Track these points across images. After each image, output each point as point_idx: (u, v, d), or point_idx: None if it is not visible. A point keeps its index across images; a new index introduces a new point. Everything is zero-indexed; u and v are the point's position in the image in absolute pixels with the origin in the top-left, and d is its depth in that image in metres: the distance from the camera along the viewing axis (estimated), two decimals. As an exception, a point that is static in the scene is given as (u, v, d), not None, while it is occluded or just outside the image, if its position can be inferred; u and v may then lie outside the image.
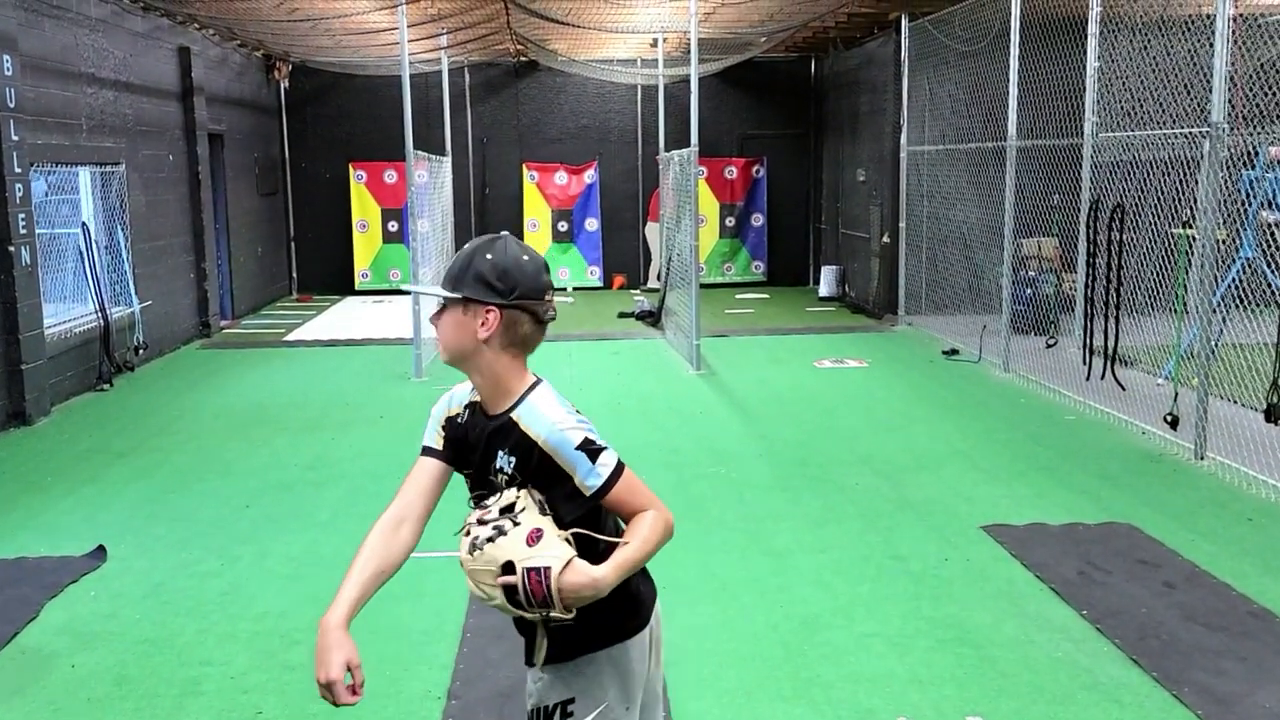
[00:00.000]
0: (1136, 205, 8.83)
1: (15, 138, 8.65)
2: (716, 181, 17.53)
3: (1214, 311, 7.28)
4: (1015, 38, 10.02)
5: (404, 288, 2.47)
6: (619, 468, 2.26)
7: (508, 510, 2.20)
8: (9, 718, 4.11)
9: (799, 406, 9.12)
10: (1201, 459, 7.11)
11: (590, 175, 17.55)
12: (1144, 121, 8.81)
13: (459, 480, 2.49)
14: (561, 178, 17.50)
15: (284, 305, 16.17)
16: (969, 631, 4.68)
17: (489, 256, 2.30)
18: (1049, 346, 10.49)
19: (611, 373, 10.78)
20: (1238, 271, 8.16)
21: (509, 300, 2.29)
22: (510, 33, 14.12)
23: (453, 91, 15.94)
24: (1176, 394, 7.78)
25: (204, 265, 13.01)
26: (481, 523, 2.21)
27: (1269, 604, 4.91)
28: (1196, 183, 7.42)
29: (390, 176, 16.67)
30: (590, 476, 2.22)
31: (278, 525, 6.24)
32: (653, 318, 13.80)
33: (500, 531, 2.16)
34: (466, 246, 2.36)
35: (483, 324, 2.28)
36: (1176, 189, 8.24)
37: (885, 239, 13.95)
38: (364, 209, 17.08)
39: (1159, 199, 8.46)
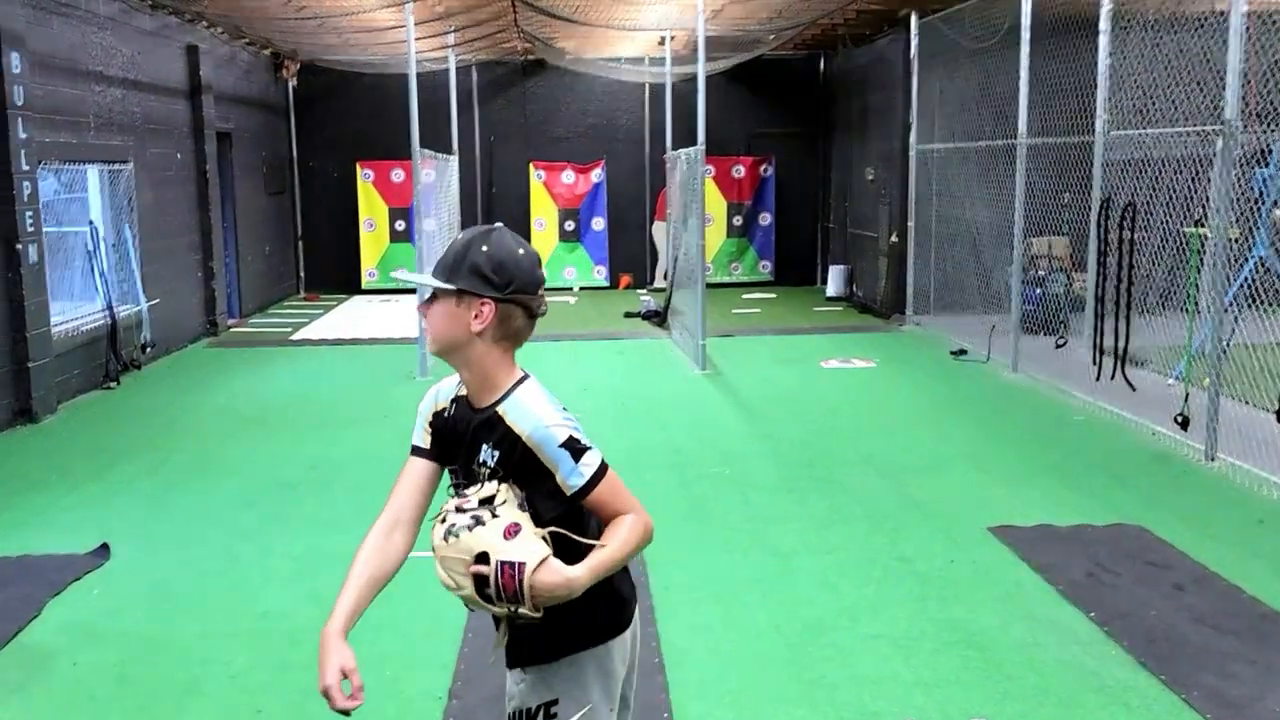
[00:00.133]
0: (1148, 204, 8.77)
1: (23, 135, 8.65)
2: (724, 180, 17.48)
3: (1226, 311, 7.22)
4: (1026, 35, 9.97)
5: (396, 275, 2.44)
6: (602, 469, 2.23)
7: (487, 502, 2.17)
8: (10, 716, 4.09)
9: (805, 407, 9.07)
10: (1212, 460, 7.05)
11: (597, 174, 17.51)
12: (1156, 119, 8.75)
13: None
14: (569, 177, 17.47)
15: (291, 304, 16.17)
16: (975, 634, 4.63)
17: (484, 249, 2.27)
18: (1058, 346, 10.43)
19: (616, 373, 10.75)
20: (1250, 271, 8.08)
21: (504, 294, 2.26)
22: (518, 31, 14.10)
23: (460, 90, 15.92)
24: (1187, 394, 7.72)
25: (211, 264, 13.01)
26: (460, 510, 2.18)
27: None
28: (1209, 181, 7.36)
29: (397, 175, 16.65)
30: (572, 476, 2.19)
31: (280, 524, 6.22)
32: (659, 317, 13.77)
33: (478, 521, 2.13)
34: (461, 236, 2.33)
35: (477, 316, 2.25)
36: (1189, 187, 8.18)
37: (894, 238, 13.89)
38: (371, 208, 17.07)
39: (1171, 197, 8.39)
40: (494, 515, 2.14)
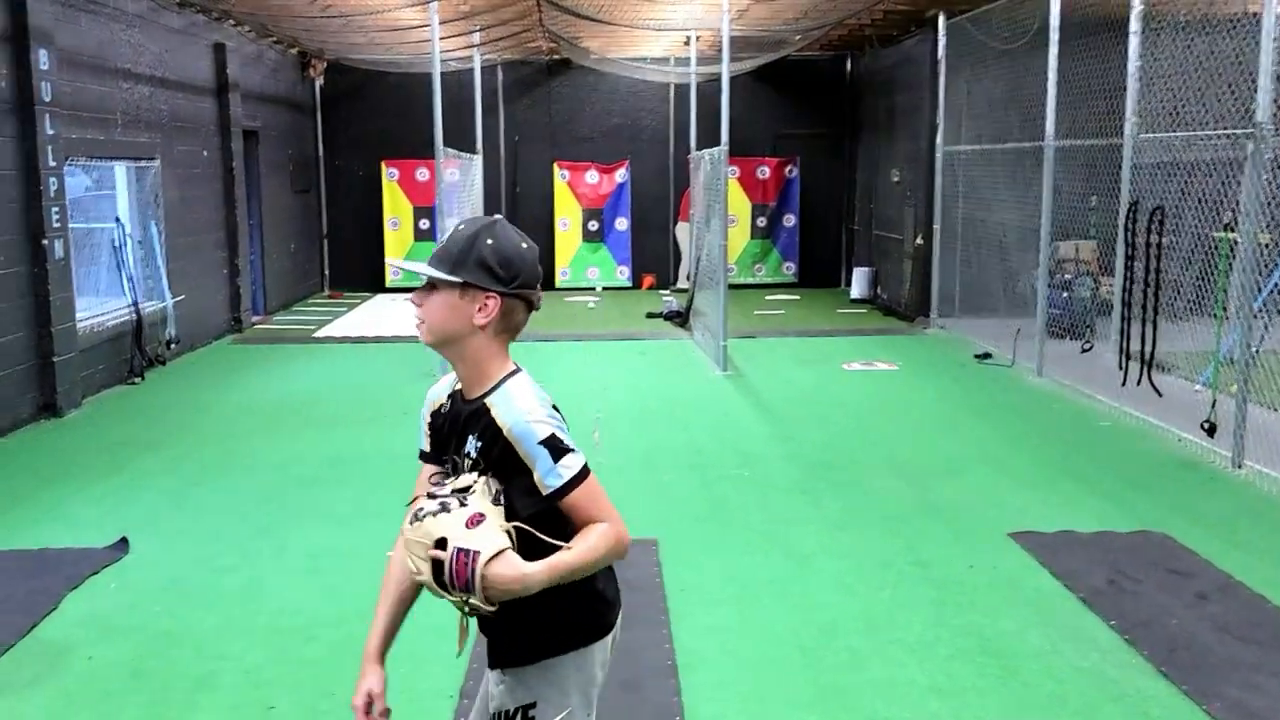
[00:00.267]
0: (1178, 208, 8.67)
1: (50, 131, 8.71)
2: (749, 181, 17.43)
3: (1255, 317, 7.12)
4: (1054, 36, 9.87)
5: (395, 264, 2.38)
6: (583, 473, 2.18)
7: (461, 491, 2.16)
8: (25, 709, 4.11)
9: (826, 409, 9.02)
10: (1239, 467, 6.95)
11: (621, 174, 17.50)
12: (1186, 122, 8.65)
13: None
14: (592, 177, 17.46)
15: (315, 302, 16.24)
16: (992, 640, 4.58)
17: (489, 241, 2.24)
18: (1084, 351, 10.33)
19: (637, 373, 10.72)
20: None
21: (510, 288, 2.24)
22: (543, 30, 14.10)
23: (485, 89, 15.95)
24: (1215, 401, 7.62)
25: (237, 261, 13.08)
26: (431, 497, 2.17)
27: (1305, 617, 4.78)
28: (1239, 185, 7.26)
29: (422, 174, 16.69)
30: (550, 475, 2.15)
31: (297, 520, 6.23)
32: (680, 318, 13.73)
33: (444, 508, 2.12)
34: (462, 227, 2.29)
35: (481, 310, 2.23)
36: (1219, 191, 8.08)
37: (919, 240, 13.81)
38: (396, 207, 17.12)
39: (1201, 201, 8.29)
40: (461, 504, 2.12)
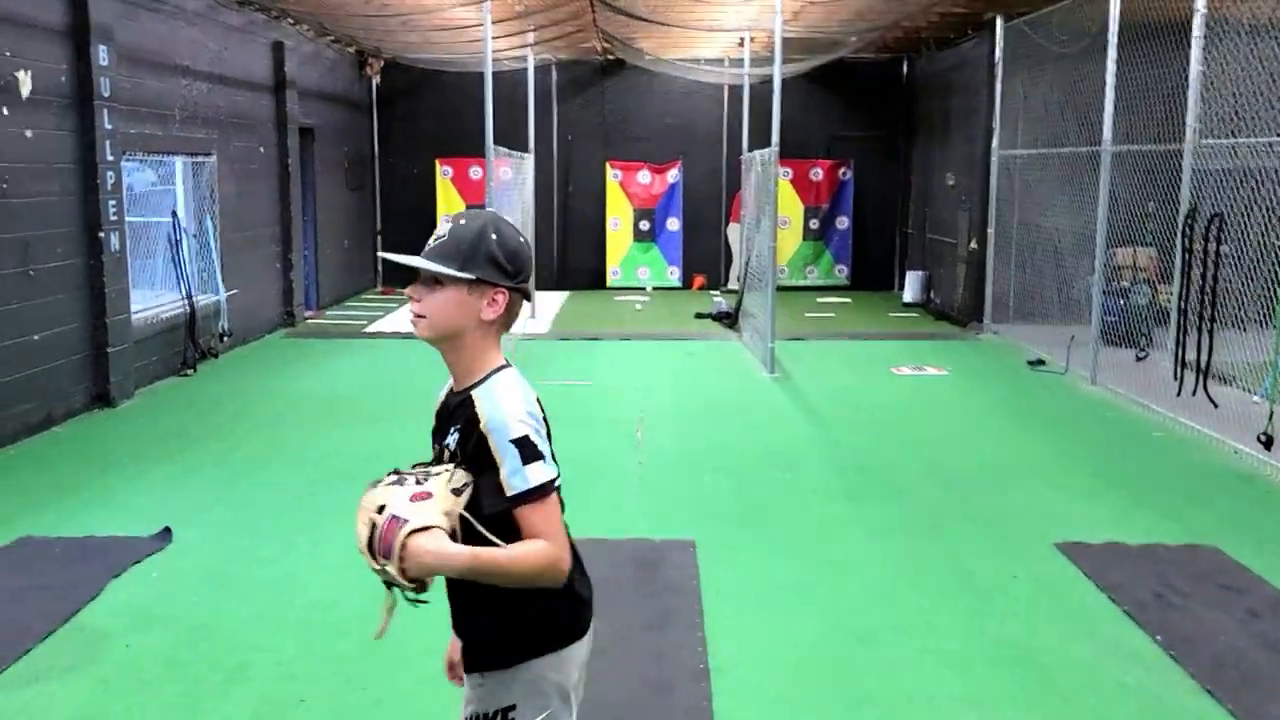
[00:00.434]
0: (1244, 215, 8.46)
1: (109, 126, 8.85)
2: (802, 183, 17.33)
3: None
4: (1113, 39, 9.69)
5: (389, 257, 2.39)
6: (547, 486, 2.15)
7: (424, 471, 2.17)
8: (62, 694, 4.16)
9: (872, 414, 8.92)
10: (1295, 481, 6.78)
11: (674, 175, 17.47)
12: (1250, 128, 8.44)
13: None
14: (645, 177, 17.45)
15: (367, 298, 16.38)
16: (1033, 652, 4.49)
17: (494, 237, 2.24)
18: (1139, 360, 10.13)
19: (684, 373, 10.68)
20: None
21: (516, 283, 2.25)
22: (597, 31, 14.11)
23: (539, 89, 15.98)
24: (1272, 412, 7.43)
25: (290, 256, 13.22)
26: (396, 472, 2.19)
27: (1359, 637, 4.63)
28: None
29: (475, 173, 16.77)
30: (515, 477, 2.12)
31: (337, 514, 6.25)
32: (729, 319, 13.67)
33: (399, 482, 2.14)
34: (463, 222, 2.27)
35: (489, 304, 2.23)
36: (1281, 199, 7.88)
37: (972, 244, 13.63)
38: (449, 205, 17.20)
39: (1266, 209, 8.09)
40: (417, 482, 2.13)
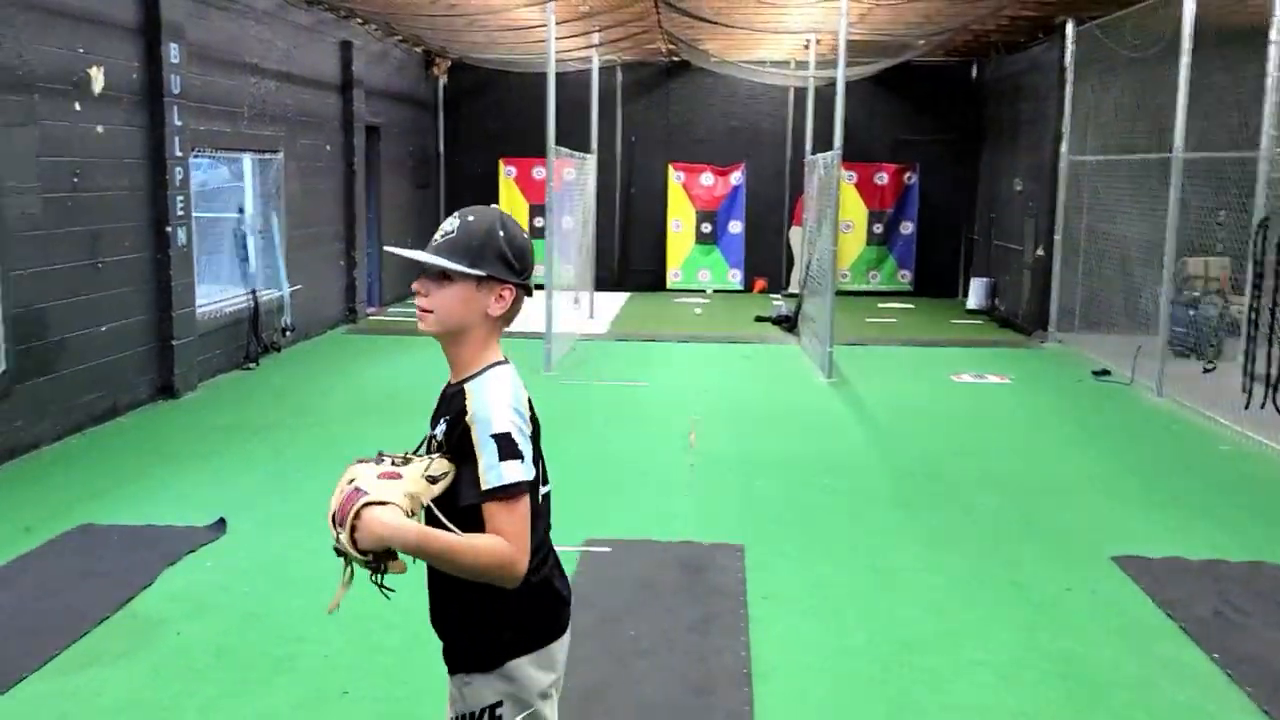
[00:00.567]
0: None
1: (178, 123, 9.01)
2: (866, 187, 17.18)
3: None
4: (1187, 44, 9.47)
5: (395, 251, 2.44)
6: (517, 486, 2.13)
7: (405, 456, 2.20)
8: (114, 679, 4.23)
9: (930, 421, 8.81)
10: (1368, 500, 6.57)
11: (736, 177, 17.41)
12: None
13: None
14: (708, 179, 17.41)
15: (430, 295, 16.48)
16: (1085, 667, 4.39)
17: (502, 234, 2.26)
18: (1206, 371, 9.89)
19: (740, 377, 10.63)
20: None
21: (522, 280, 2.28)
22: (662, 32, 14.10)
23: (604, 90, 16.01)
24: (1345, 428, 7.22)
25: (354, 253, 13.38)
26: (381, 454, 2.23)
27: None
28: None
29: (539, 173, 16.82)
30: (490, 472, 2.12)
31: (391, 509, 6.30)
32: (789, 323, 13.58)
33: (378, 462, 2.18)
34: (471, 219, 2.28)
35: (497, 300, 2.26)
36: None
37: (1039, 252, 13.41)
38: (512, 204, 17.31)
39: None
40: (393, 463, 2.16)
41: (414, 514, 2.11)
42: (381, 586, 2.15)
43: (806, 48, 14.89)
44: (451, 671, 2.31)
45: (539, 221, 16.88)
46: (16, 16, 7.12)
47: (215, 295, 10.40)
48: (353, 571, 2.15)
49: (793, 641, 4.62)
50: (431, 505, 2.14)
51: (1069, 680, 4.28)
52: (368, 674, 4.30)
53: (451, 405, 2.24)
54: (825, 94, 15.33)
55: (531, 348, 11.19)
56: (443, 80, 17.34)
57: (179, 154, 9.04)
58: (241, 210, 10.87)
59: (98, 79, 8.05)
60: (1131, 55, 10.94)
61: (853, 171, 16.85)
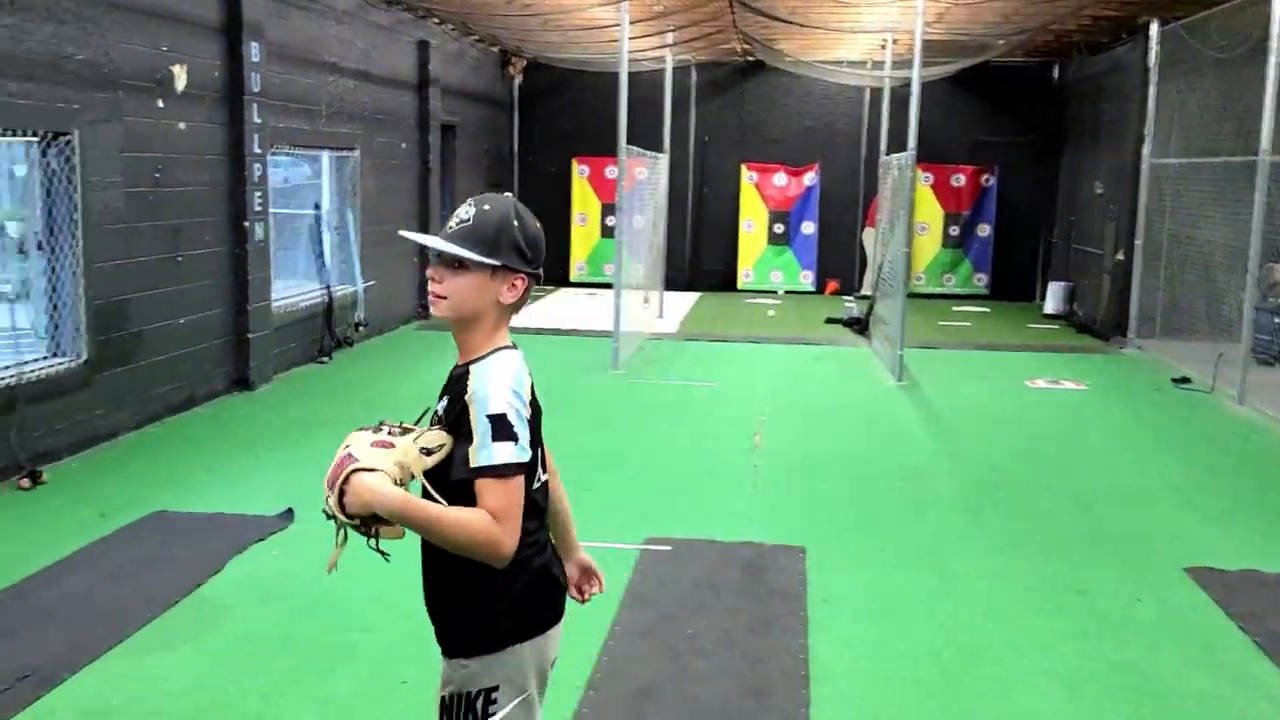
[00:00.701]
0: None
1: (257, 120, 9.20)
2: (942, 189, 16.96)
3: None
4: (1276, 44, 9.20)
5: (411, 236, 2.52)
6: (509, 467, 2.16)
7: (404, 429, 2.24)
8: (180, 663, 4.33)
9: (1001, 426, 8.67)
10: None
11: (810, 178, 17.30)
12: None
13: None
14: (781, 179, 17.32)
15: (502, 293, 16.62)
16: (1152, 679, 4.29)
17: (516, 224, 2.30)
18: (1292, 380, 9.61)
19: (809, 378, 10.56)
20: None
21: (534, 269, 2.32)
22: (737, 32, 14.06)
23: (678, 89, 15.99)
24: None
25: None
26: (383, 422, 2.28)
27: None
28: None
29: (612, 172, 16.85)
30: (481, 450, 2.16)
31: (455, 503, 6.37)
32: (860, 325, 13.46)
33: (377, 430, 2.23)
34: (487, 208, 2.30)
35: (510, 289, 2.29)
36: None
37: (1119, 256, 13.13)
38: (584, 203, 17.40)
39: None
40: (389, 433, 2.21)
41: (403, 483, 2.16)
42: (378, 550, 2.21)
43: (883, 48, 14.74)
44: (448, 655, 2.34)
45: (611, 220, 17.00)
46: (104, 16, 7.32)
47: (291, 290, 10.59)
48: (345, 534, 2.22)
49: (852, 645, 4.57)
50: (423, 479, 2.18)
51: (1135, 692, 4.18)
52: (427, 664, 4.29)
53: (455, 385, 2.28)
54: (901, 94, 15.15)
55: (599, 346, 11.25)
56: (518, 79, 17.48)
57: (258, 151, 9.23)
58: (318, 207, 11.06)
59: (180, 77, 8.24)
60: (1217, 55, 10.66)
61: (929, 173, 16.65)
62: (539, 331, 12.98)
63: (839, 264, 17.47)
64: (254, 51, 9.11)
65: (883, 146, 14.92)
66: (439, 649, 2.37)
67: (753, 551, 5.65)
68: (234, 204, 9.03)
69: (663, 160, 14.52)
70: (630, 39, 11.08)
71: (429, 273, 2.32)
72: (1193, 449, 8.04)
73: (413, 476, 2.19)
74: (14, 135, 6.71)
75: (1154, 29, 12.27)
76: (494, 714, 2.27)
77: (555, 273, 17.44)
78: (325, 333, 10.77)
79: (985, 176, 16.98)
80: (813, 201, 17.33)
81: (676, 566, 5.43)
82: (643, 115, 14.02)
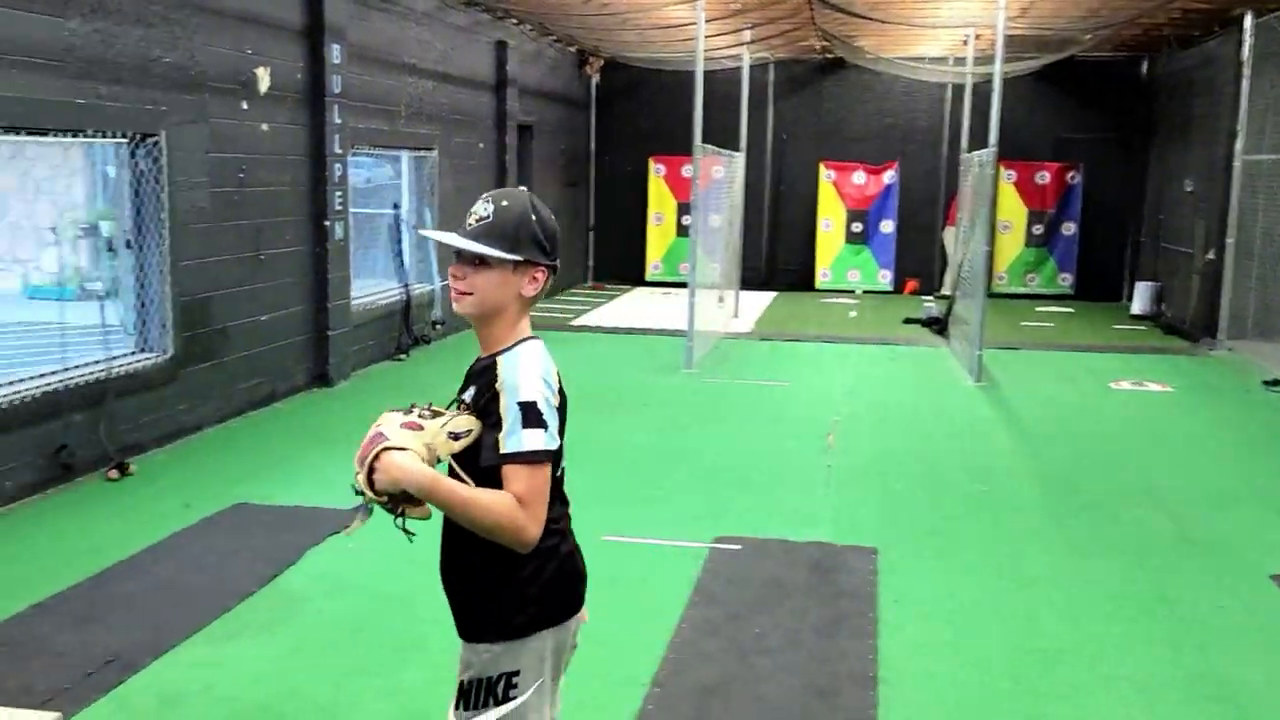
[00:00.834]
0: None
1: (338, 121, 9.35)
2: (1026, 187, 16.66)
3: None
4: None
5: (429, 235, 2.63)
6: (538, 454, 2.20)
7: (434, 412, 2.30)
8: (257, 651, 4.42)
9: (1083, 428, 8.49)
10: None
11: (889, 176, 17.11)
12: None
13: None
14: (859, 177, 17.15)
15: (577, 292, 16.74)
16: (1233, 688, 4.16)
17: (534, 218, 2.33)
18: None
19: (885, 379, 10.44)
20: None
21: (553, 261, 2.37)
22: (815, 29, 13.95)
23: (755, 87, 15.91)
24: None
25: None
26: (414, 405, 2.33)
27: None
28: None
29: (688, 171, 16.73)
30: (511, 437, 2.20)
31: (527, 499, 6.41)
32: (939, 325, 13.27)
33: (408, 412, 2.29)
34: (505, 203, 2.33)
35: (531, 282, 2.34)
36: None
37: (1209, 255, 12.78)
38: (661, 202, 17.40)
39: None
40: (419, 415, 2.26)
41: (429, 465, 2.21)
42: (404, 530, 2.28)
43: (965, 43, 14.51)
44: (468, 640, 2.37)
45: (687, 220, 16.98)
46: (190, 19, 7.50)
47: (370, 288, 10.75)
48: (370, 509, 2.28)
49: (922, 648, 4.51)
50: (453, 462, 2.23)
51: (1215, 701, 4.07)
52: (494, 658, 4.37)
53: (481, 376, 2.31)
54: (983, 90, 14.90)
55: (673, 346, 11.24)
56: (595, 79, 17.55)
57: (338, 151, 9.38)
58: (397, 206, 11.21)
59: (264, 79, 8.41)
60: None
61: (1012, 170, 16.38)
62: (613, 331, 13.04)
63: (918, 263, 17.25)
64: (335, 53, 9.27)
65: (964, 144, 14.69)
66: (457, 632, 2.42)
67: (823, 552, 5.61)
68: (314, 203, 9.19)
69: (739, 159, 14.46)
70: (706, 37, 11.06)
71: (451, 270, 2.36)
72: (1284, 453, 7.81)
73: (439, 460, 2.23)
74: (104, 136, 6.90)
75: (1248, 21, 11.91)
76: (514, 698, 2.31)
77: (631, 272, 17.49)
78: (403, 330, 10.92)
79: (1070, 174, 16.65)
80: (892, 200, 17.13)
81: (745, 566, 5.41)
82: (720, 114, 13.99)
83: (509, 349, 2.31)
